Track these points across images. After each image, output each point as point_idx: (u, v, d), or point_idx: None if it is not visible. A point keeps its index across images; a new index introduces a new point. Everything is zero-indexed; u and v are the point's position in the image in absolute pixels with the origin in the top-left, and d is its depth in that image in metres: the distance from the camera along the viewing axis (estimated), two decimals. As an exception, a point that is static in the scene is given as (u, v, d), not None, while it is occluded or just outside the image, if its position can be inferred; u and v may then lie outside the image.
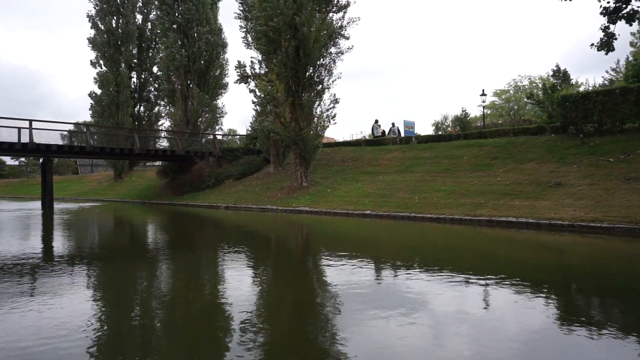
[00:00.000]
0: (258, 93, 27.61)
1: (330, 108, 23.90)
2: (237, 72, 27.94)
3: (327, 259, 9.20)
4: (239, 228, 16.38)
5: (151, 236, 14.68)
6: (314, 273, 8.11)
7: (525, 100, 48.80)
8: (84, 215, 22.35)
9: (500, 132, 22.21)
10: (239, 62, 27.84)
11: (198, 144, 33.03)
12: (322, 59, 23.43)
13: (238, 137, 40.42)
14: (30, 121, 23.24)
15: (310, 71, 23.30)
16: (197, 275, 8.02)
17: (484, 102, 32.97)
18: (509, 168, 17.90)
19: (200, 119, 34.75)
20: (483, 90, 31.54)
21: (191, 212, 23.49)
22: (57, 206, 27.90)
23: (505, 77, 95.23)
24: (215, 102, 35.44)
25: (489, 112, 54.82)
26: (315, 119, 24.09)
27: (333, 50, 23.71)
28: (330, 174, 24.89)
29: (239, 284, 7.03)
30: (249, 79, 27.89)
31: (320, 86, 23.88)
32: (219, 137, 35.28)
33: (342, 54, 23.72)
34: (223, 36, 35.09)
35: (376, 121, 31.13)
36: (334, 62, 23.84)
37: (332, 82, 23.98)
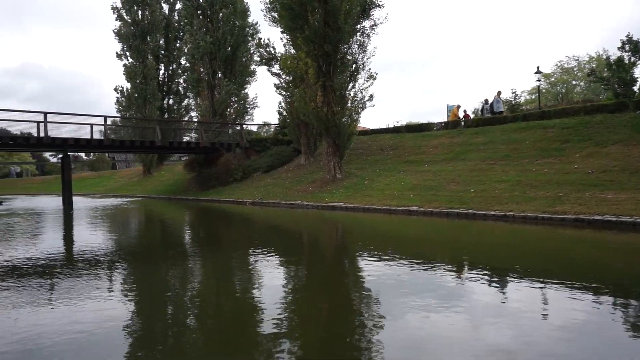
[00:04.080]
0: (284, 76, 25.18)
1: (366, 87, 21.14)
2: (259, 52, 25.59)
3: (367, 263, 6.65)
4: (267, 227, 14.07)
5: (163, 238, 12.56)
6: (352, 282, 6.13)
7: (588, 78, 44.02)
8: (103, 215, 20.68)
9: (568, 111, 18.75)
10: (259, 39, 25.35)
11: (225, 135, 31.04)
12: (355, 35, 20.67)
13: (267, 127, 38.35)
14: (45, 114, 21.81)
15: (342, 48, 20.60)
16: (227, 276, 7.50)
17: (539, 80, 29.22)
18: (588, 152, 14.65)
19: (228, 110, 32.76)
20: (538, 68, 27.60)
21: (215, 208, 21.45)
22: (83, 204, 26.64)
23: (546, 61, 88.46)
24: (243, 91, 33.33)
25: (533, 97, 50.27)
26: (349, 102, 21.43)
27: (367, 23, 20.90)
28: (367, 164, 22.20)
29: (270, 285, 6.58)
30: (273, 61, 25.48)
31: (354, 65, 21.14)
32: (247, 128, 33.19)
33: (377, 25, 20.84)
34: (250, 19, 32.68)
35: (499, 93, 24.23)
36: (369, 37, 21.01)
37: (367, 59, 21.20)
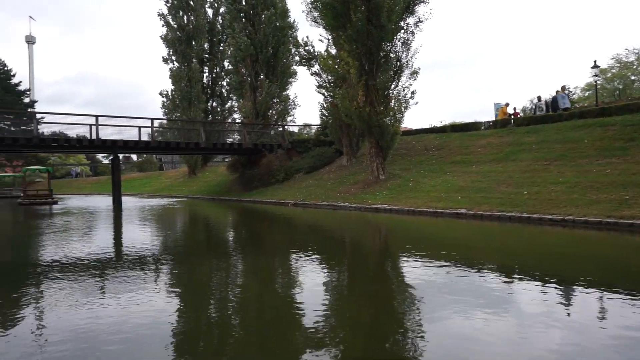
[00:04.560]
0: (324, 76, 24.97)
1: (409, 84, 20.58)
2: (298, 52, 25.49)
3: (412, 267, 6.24)
4: (310, 229, 13.87)
5: (208, 238, 12.63)
6: (395, 286, 5.82)
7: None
8: (151, 215, 21.23)
9: (632, 107, 17.39)
10: (295, 39, 25.19)
11: (267, 136, 31.23)
12: (398, 32, 20.12)
13: (309, 127, 38.34)
14: (97, 117, 22.73)
15: (386, 46, 20.12)
16: (269, 277, 7.43)
17: (596, 75, 27.50)
18: (656, 152, 13.49)
19: (270, 111, 32.97)
20: (595, 62, 26.01)
21: (257, 209, 21.52)
22: (132, 203, 27.55)
23: (601, 56, 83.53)
24: (285, 92, 33.44)
25: (587, 94, 47.44)
26: (393, 101, 20.92)
27: (411, 20, 20.31)
28: (411, 165, 21.60)
29: (312, 287, 6.47)
30: (313, 61, 25.30)
31: (398, 63, 20.60)
32: (289, 129, 33.23)
33: (421, 22, 20.19)
34: (290, 19, 32.66)
35: (563, 88, 23.16)
36: (413, 34, 20.40)
37: (411, 57, 20.59)
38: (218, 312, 5.42)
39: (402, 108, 20.72)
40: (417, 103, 20.90)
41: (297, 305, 5.53)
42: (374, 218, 15.63)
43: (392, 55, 20.41)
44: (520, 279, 6.35)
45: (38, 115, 27.18)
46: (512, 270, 7.11)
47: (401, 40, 20.35)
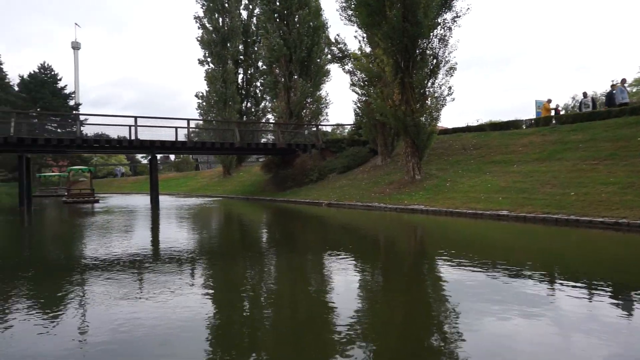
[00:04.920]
0: (358, 74, 24.67)
1: (446, 81, 20.02)
2: (330, 50, 25.28)
3: (451, 270, 5.90)
4: (344, 229, 13.66)
5: (244, 237, 12.63)
6: (432, 289, 5.38)
7: None
8: (187, 214, 21.58)
9: (690, 102, 16.26)
10: (327, 37, 24.98)
11: (301, 136, 31.23)
12: (435, 28, 19.58)
13: (342, 127, 38.12)
14: (135, 118, 23.36)
15: (422, 43, 19.63)
16: (304, 277, 7.36)
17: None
18: None
19: (304, 111, 32.96)
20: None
21: (291, 209, 21.48)
22: (169, 202, 28.15)
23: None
24: (318, 91, 33.33)
25: (634, 89, 44.84)
26: (429, 100, 20.39)
27: (448, 16, 19.71)
28: (448, 164, 21.01)
29: (346, 288, 6.37)
30: (345, 59, 25.04)
31: (435, 60, 20.06)
32: (323, 129, 33.10)
33: (459, 17, 19.57)
34: (323, 17, 32.45)
35: (623, 81, 21.53)
36: (450, 30, 19.80)
37: (449, 54, 19.99)
38: (252, 310, 5.43)
39: (439, 106, 20.17)
40: (453, 100, 20.23)
41: (331, 305, 5.42)
42: (410, 219, 15.24)
43: (428, 52, 19.91)
44: (569, 285, 5.89)
45: (82, 118, 28.30)
46: (561, 275, 6.64)
47: (438, 37, 19.80)
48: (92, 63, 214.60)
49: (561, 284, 6.06)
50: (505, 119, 24.93)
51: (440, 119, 20.63)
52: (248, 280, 7.03)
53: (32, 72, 51.06)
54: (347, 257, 8.59)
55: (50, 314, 5.16)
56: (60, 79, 53.27)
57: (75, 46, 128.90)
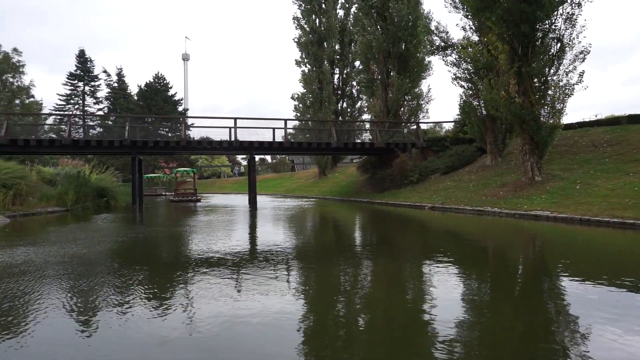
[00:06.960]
0: (463, 66, 22.56)
1: (572, 69, 17.23)
2: (431, 40, 23.44)
3: (580, 290, 4.25)
4: (454, 236, 12.09)
5: (342, 240, 11.71)
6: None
7: None
8: (284, 215, 21.35)
9: None
10: (427, 27, 23.20)
11: (400, 135, 29.69)
12: (559, 7, 16.95)
13: (439, 126, 35.74)
14: (235, 119, 23.77)
15: (543, 26, 17.13)
16: (405, 285, 6.70)
17: None
18: None
19: (402, 109, 31.36)
20: None
21: (390, 212, 20.14)
22: (266, 203, 28.45)
23: None
24: (417, 88, 31.46)
25: None
26: (551, 90, 17.76)
27: (577, -11, 16.94)
28: (575, 164, 18.16)
29: (450, 302, 5.52)
30: (449, 49, 23.05)
31: (559, 44, 17.40)
32: (423, 127, 31.20)
33: (593, -11, 16.71)
34: (422, 7, 30.42)
35: None
36: (579, 6, 16.98)
37: (577, 35, 17.20)
38: (345, 315, 5.19)
39: (565, 96, 17.45)
40: (586, 88, 17.38)
41: (430, 316, 4.95)
42: (532, 227, 13.11)
43: (550, 35, 17.33)
44: None
45: (188, 122, 29.80)
46: None
47: (563, 16, 17.14)
48: (200, 73, 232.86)
49: None
50: (630, 113, 21.03)
51: (565, 111, 17.87)
52: (343, 284, 6.38)
53: (148, 82, 55.74)
54: (457, 268, 7.14)
55: (160, 304, 4.59)
56: (171, 87, 57.59)
57: (185, 57, 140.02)
